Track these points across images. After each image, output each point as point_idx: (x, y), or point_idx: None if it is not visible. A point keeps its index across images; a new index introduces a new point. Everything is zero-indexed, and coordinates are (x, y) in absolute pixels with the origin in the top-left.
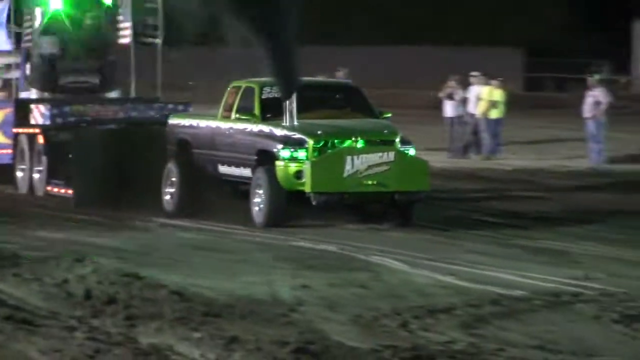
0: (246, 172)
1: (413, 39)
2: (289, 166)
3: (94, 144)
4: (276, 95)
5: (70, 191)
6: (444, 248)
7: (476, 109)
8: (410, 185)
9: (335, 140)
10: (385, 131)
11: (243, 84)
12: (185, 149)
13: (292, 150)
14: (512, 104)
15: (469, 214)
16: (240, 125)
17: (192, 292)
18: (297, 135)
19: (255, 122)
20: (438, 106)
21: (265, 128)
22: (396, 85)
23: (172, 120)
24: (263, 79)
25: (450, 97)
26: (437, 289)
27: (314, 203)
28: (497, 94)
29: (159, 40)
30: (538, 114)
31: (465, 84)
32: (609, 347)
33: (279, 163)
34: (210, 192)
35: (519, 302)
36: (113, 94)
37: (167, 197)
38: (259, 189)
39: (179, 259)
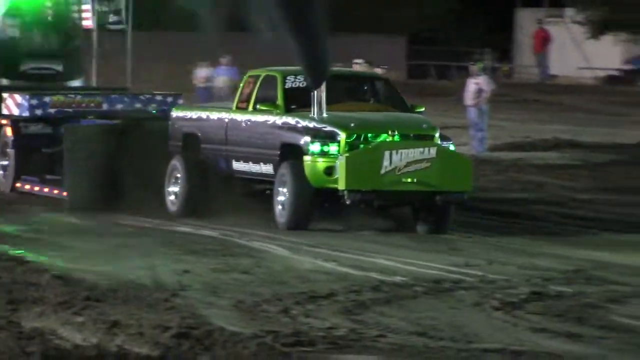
0: (267, 168)
1: None
2: (319, 161)
3: (88, 141)
4: (301, 85)
5: (47, 189)
6: (326, 235)
7: None
8: (452, 184)
9: (369, 134)
10: (424, 125)
11: (262, 72)
12: (193, 143)
13: (322, 143)
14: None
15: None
16: (260, 117)
17: (75, 276)
18: (328, 128)
19: (278, 114)
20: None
21: (291, 120)
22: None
23: (176, 113)
24: (285, 68)
25: None
26: (319, 275)
27: (347, 202)
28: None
29: (125, 26)
30: (421, 101)
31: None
32: (489, 334)
33: (307, 158)
34: (222, 191)
35: (400, 289)
36: (76, 82)
37: (171, 197)
38: (283, 187)
39: (65, 245)
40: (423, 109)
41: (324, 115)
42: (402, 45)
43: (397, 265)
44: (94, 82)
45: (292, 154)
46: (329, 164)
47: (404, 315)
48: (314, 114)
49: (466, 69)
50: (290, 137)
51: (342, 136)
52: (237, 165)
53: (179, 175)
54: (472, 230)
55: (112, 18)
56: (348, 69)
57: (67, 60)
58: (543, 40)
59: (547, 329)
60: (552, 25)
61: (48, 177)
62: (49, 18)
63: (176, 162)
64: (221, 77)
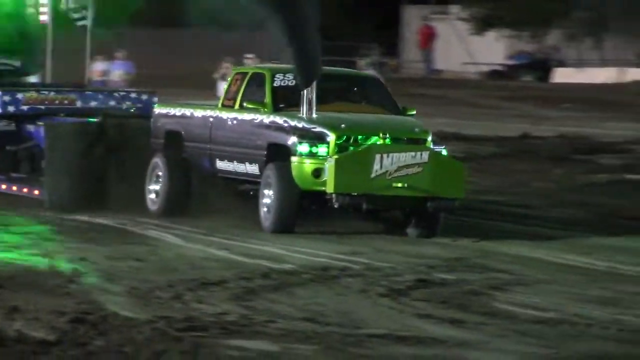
0: (252, 168)
1: (188, 22)
2: (307, 163)
3: (68, 139)
4: (289, 84)
5: (15, 188)
6: (219, 224)
7: None
8: (444, 190)
9: (360, 136)
10: (416, 129)
11: (250, 69)
12: (175, 141)
13: (311, 144)
14: None
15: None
16: (247, 116)
17: None
18: (318, 129)
19: (265, 113)
20: (213, 87)
21: (279, 119)
22: (173, 66)
23: (159, 110)
24: (273, 65)
25: (224, 77)
26: (211, 263)
27: (335, 205)
28: None
29: (88, 22)
30: None
31: (239, 66)
32: (375, 319)
33: (294, 159)
34: (204, 191)
35: (289, 276)
36: (33, 79)
37: (152, 195)
38: (269, 188)
39: None
40: (414, 112)
41: (314, 115)
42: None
43: (286, 254)
44: (48, 79)
45: (279, 154)
46: (317, 165)
47: (292, 301)
48: (303, 114)
49: (355, 64)
50: (277, 137)
51: (331, 137)
52: (221, 165)
53: (160, 173)
54: (357, 220)
55: (78, 13)
56: (339, 69)
57: (25, 55)
58: (428, 37)
59: (431, 315)
60: (438, 21)
61: (14, 175)
62: (6, 13)
63: (158, 160)
64: (117, 71)
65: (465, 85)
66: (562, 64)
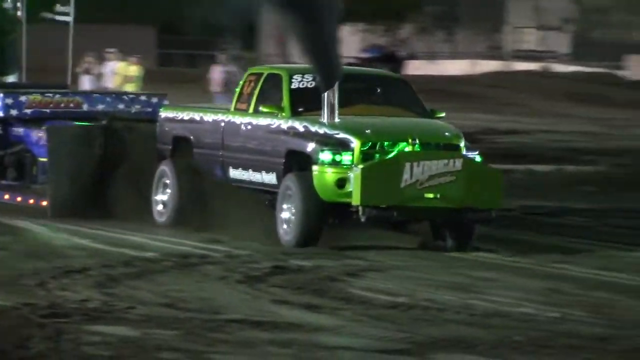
0: (269, 177)
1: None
2: (330, 172)
3: (72, 143)
4: (309, 85)
5: (7, 196)
6: (85, 214)
7: (112, 83)
8: (479, 201)
9: (386, 143)
10: (447, 133)
11: (265, 70)
12: (184, 148)
13: (333, 152)
14: (147, 79)
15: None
16: (262, 121)
17: None
18: (341, 135)
19: (283, 117)
20: (76, 81)
21: (298, 124)
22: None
23: (165, 114)
24: (291, 65)
25: (87, 72)
26: (75, 251)
27: (362, 219)
28: (133, 70)
29: (69, 18)
30: (172, 88)
31: (102, 60)
32: (233, 305)
33: (316, 168)
34: (216, 201)
35: (150, 264)
36: (11, 78)
37: (159, 206)
38: (288, 200)
39: None
40: (444, 115)
41: (336, 120)
42: (151, 34)
43: (148, 242)
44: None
45: (299, 163)
46: (341, 175)
47: (153, 288)
48: (324, 119)
49: (214, 58)
50: (297, 144)
51: (356, 144)
52: (235, 173)
53: (168, 182)
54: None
55: (59, 8)
56: (361, 68)
57: (2, 54)
58: None
59: (288, 301)
60: None
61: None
62: None
63: (165, 168)
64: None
65: None
66: (413, 56)
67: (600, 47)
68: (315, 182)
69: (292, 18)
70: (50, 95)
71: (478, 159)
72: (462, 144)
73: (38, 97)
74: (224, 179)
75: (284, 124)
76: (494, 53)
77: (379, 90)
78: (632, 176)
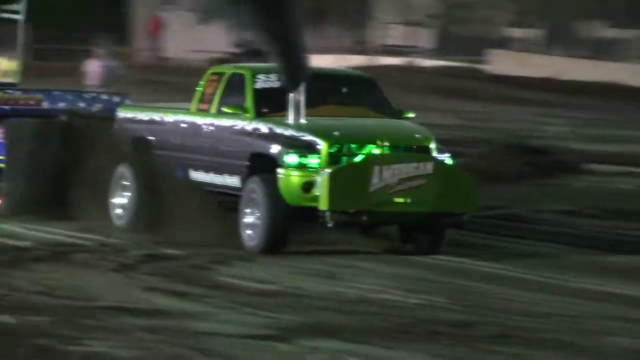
0: (232, 180)
1: None
2: (296, 176)
3: (30, 140)
4: (274, 85)
5: None
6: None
7: None
8: (451, 205)
9: (354, 145)
10: (417, 135)
11: (227, 69)
12: (144, 149)
13: (300, 155)
14: (25, 73)
15: None
16: (225, 122)
17: None
18: (308, 137)
19: (247, 118)
20: None
21: (263, 126)
22: None
23: (123, 114)
24: (255, 64)
25: None
26: None
27: (329, 224)
28: (9, 64)
29: (20, 17)
30: (48, 82)
31: None
32: (107, 293)
33: (282, 171)
34: (178, 204)
35: (25, 252)
36: None
37: (119, 210)
38: (253, 204)
39: None
40: (412, 115)
41: (302, 121)
42: (24, 28)
43: (23, 232)
44: None
45: (263, 166)
46: (308, 179)
47: (28, 275)
48: (290, 120)
49: (89, 52)
50: (261, 146)
51: (323, 146)
52: (197, 176)
53: (126, 184)
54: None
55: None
56: (327, 67)
57: None
58: (156, 26)
59: (158, 288)
60: (166, 11)
61: None
62: None
63: (124, 170)
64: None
65: (194, 72)
66: None
67: (464, 42)
68: (281, 186)
69: (255, 17)
70: (10, 92)
71: (449, 161)
72: (432, 146)
73: None
74: (186, 181)
75: (248, 125)
76: (360, 48)
77: (345, 90)
78: (495, 168)
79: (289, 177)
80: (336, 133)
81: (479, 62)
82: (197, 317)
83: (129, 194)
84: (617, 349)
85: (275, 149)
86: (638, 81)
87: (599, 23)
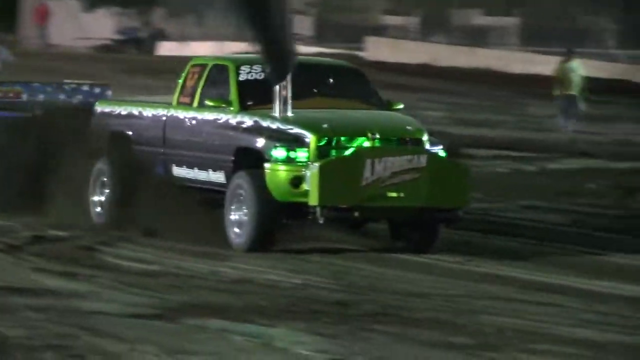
0: (217, 176)
1: None
2: (284, 170)
3: (4, 134)
4: (258, 77)
5: None
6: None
7: None
8: (445, 199)
9: (344, 138)
10: (409, 127)
11: (210, 61)
12: (122, 144)
13: (287, 149)
14: None
15: None
16: (208, 115)
17: None
18: (295, 130)
19: (231, 112)
20: None
21: (248, 119)
22: None
23: (101, 107)
24: (238, 55)
25: None
26: None
27: (319, 220)
28: None
29: None
30: None
31: None
32: None
33: (269, 166)
34: (159, 201)
35: None
36: None
37: (98, 208)
38: (239, 200)
39: None
40: (401, 106)
41: (289, 114)
42: None
43: None
44: None
45: (249, 160)
46: (296, 173)
47: None
48: (276, 113)
49: None
50: (247, 140)
51: (311, 140)
52: (179, 171)
53: (105, 180)
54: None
55: None
56: (313, 57)
57: None
58: (43, 14)
59: (46, 269)
60: (52, 0)
61: None
62: None
63: (102, 166)
64: None
65: (79, 58)
66: (165, 38)
67: (342, 30)
68: (268, 181)
69: (240, 7)
70: None
71: (442, 153)
72: (425, 138)
73: None
74: (167, 177)
75: (233, 118)
76: (241, 35)
77: (333, 81)
78: None
79: (277, 172)
80: (325, 125)
81: (356, 49)
82: (85, 296)
83: (108, 190)
84: (495, 327)
85: (261, 142)
86: (512, 67)
87: (473, 11)
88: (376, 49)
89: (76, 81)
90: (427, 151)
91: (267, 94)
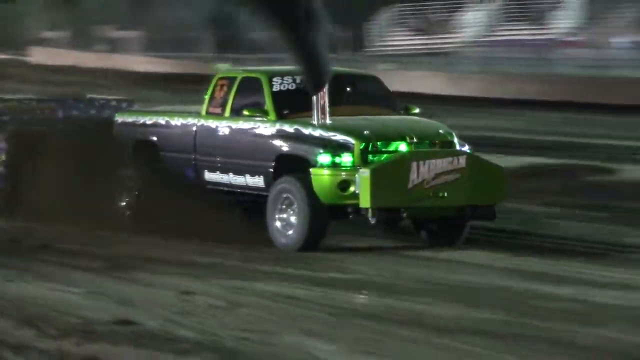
0: (254, 180)
1: None
2: (331, 174)
3: (30, 147)
4: (290, 88)
5: None
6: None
7: None
8: (484, 196)
9: (379, 143)
10: (441, 131)
11: (239, 74)
12: (148, 152)
13: (333, 154)
14: None
15: None
16: (243, 124)
17: None
18: (339, 136)
19: (269, 120)
20: None
21: (288, 127)
22: None
23: (124, 118)
24: (267, 68)
25: None
26: None
27: (371, 222)
28: None
29: None
30: None
31: None
32: None
33: (315, 171)
34: (187, 202)
35: None
36: None
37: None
38: (285, 203)
39: None
40: (418, 110)
41: (328, 121)
42: None
43: None
44: None
45: (289, 166)
46: (343, 177)
47: None
48: (315, 121)
49: None
50: (289, 147)
51: (355, 145)
52: (211, 176)
53: (133, 184)
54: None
55: None
56: (339, 68)
57: None
58: None
59: None
60: None
61: None
62: None
63: (130, 172)
64: None
65: None
66: None
67: (8, 40)
68: (315, 185)
69: (281, 24)
70: (27, 102)
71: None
72: (455, 140)
73: (15, 103)
74: (197, 181)
75: (271, 127)
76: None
77: (356, 89)
78: None
79: (324, 176)
80: (366, 132)
81: (23, 55)
82: None
83: (135, 193)
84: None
85: (305, 149)
86: (139, 68)
87: (110, 26)
88: (39, 55)
89: (104, 97)
90: (467, 152)
91: (299, 103)
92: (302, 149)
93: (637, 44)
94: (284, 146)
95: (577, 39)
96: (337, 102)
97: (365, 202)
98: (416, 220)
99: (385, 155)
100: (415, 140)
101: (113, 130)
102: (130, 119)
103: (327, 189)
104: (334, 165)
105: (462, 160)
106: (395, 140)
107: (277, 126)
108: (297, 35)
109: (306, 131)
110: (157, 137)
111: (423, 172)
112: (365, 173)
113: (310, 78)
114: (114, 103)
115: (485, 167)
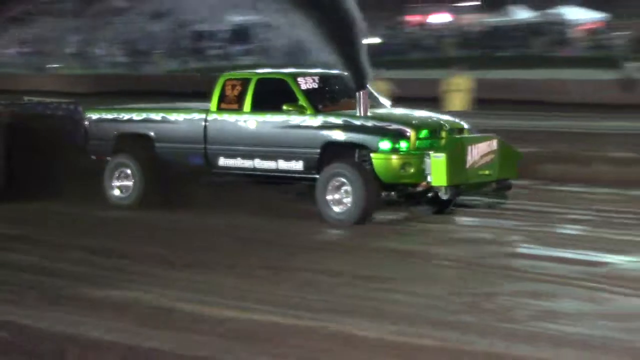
0: (289, 165)
1: None
2: (393, 158)
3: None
4: (314, 86)
5: None
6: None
7: None
8: (508, 172)
9: (425, 131)
10: (457, 120)
11: (253, 76)
12: (143, 143)
13: (393, 141)
14: None
15: None
16: (273, 118)
17: None
18: (394, 126)
19: (307, 114)
20: None
21: (335, 119)
22: None
23: (99, 115)
24: (287, 70)
25: None
26: None
27: (445, 197)
28: None
29: None
30: None
31: None
32: None
33: (378, 155)
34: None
35: None
36: None
37: (115, 191)
38: (337, 185)
39: None
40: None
41: (369, 113)
42: None
43: None
44: None
45: (335, 152)
46: (404, 160)
47: None
48: (360, 113)
49: None
50: (342, 136)
51: (411, 134)
52: (226, 162)
53: (128, 171)
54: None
55: None
56: (329, 71)
57: None
58: None
59: None
60: None
61: None
62: None
63: (124, 160)
64: None
65: None
66: None
67: None
68: (378, 167)
69: (332, 37)
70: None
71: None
72: (466, 127)
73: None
74: (208, 167)
75: (312, 119)
76: None
77: (342, 87)
78: None
79: (388, 160)
80: (415, 122)
81: None
82: None
83: (135, 179)
84: None
85: (362, 138)
86: None
87: None
88: None
89: (56, 100)
90: (496, 137)
91: (323, 99)
92: (358, 138)
93: None
94: (333, 135)
95: None
96: (339, 98)
97: (441, 181)
98: (409, 197)
99: (427, 141)
100: (448, 128)
101: (86, 125)
102: (109, 115)
103: (390, 171)
104: (394, 150)
105: (494, 144)
106: (436, 129)
107: (321, 118)
108: (348, 47)
109: (357, 122)
110: (153, 131)
111: (475, 154)
112: (440, 157)
113: (356, 77)
114: (64, 106)
115: (507, 148)
